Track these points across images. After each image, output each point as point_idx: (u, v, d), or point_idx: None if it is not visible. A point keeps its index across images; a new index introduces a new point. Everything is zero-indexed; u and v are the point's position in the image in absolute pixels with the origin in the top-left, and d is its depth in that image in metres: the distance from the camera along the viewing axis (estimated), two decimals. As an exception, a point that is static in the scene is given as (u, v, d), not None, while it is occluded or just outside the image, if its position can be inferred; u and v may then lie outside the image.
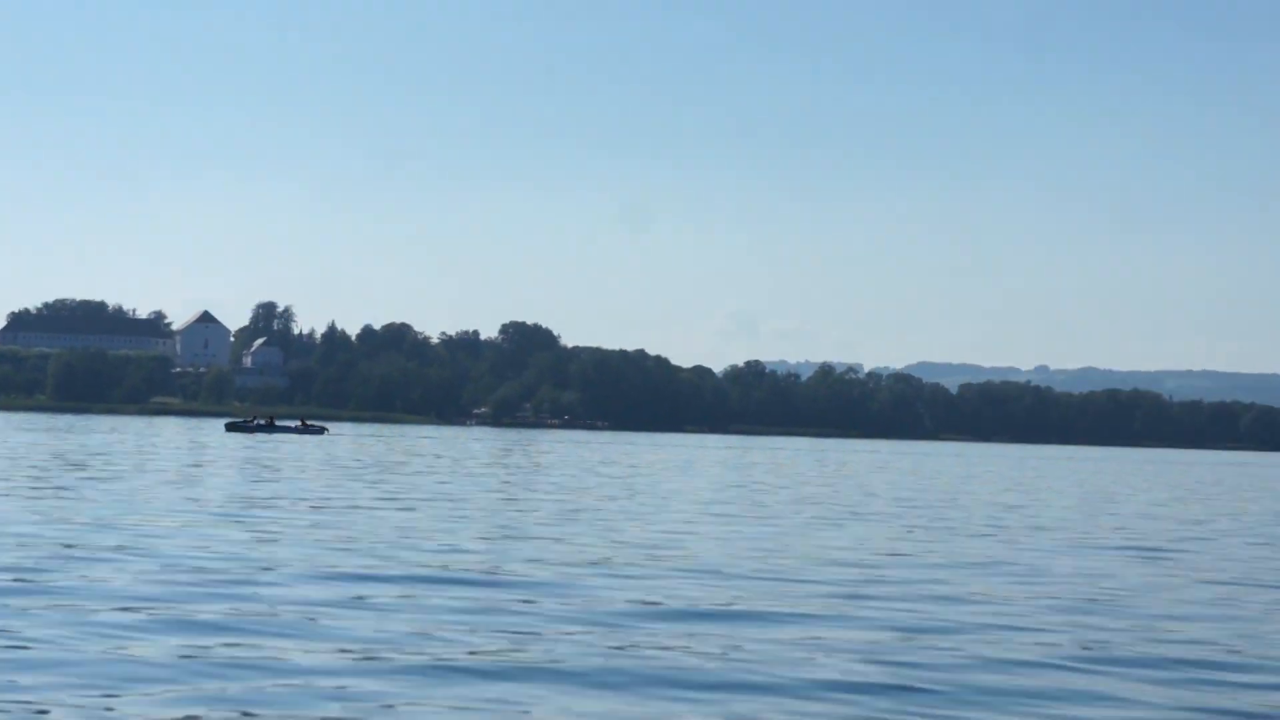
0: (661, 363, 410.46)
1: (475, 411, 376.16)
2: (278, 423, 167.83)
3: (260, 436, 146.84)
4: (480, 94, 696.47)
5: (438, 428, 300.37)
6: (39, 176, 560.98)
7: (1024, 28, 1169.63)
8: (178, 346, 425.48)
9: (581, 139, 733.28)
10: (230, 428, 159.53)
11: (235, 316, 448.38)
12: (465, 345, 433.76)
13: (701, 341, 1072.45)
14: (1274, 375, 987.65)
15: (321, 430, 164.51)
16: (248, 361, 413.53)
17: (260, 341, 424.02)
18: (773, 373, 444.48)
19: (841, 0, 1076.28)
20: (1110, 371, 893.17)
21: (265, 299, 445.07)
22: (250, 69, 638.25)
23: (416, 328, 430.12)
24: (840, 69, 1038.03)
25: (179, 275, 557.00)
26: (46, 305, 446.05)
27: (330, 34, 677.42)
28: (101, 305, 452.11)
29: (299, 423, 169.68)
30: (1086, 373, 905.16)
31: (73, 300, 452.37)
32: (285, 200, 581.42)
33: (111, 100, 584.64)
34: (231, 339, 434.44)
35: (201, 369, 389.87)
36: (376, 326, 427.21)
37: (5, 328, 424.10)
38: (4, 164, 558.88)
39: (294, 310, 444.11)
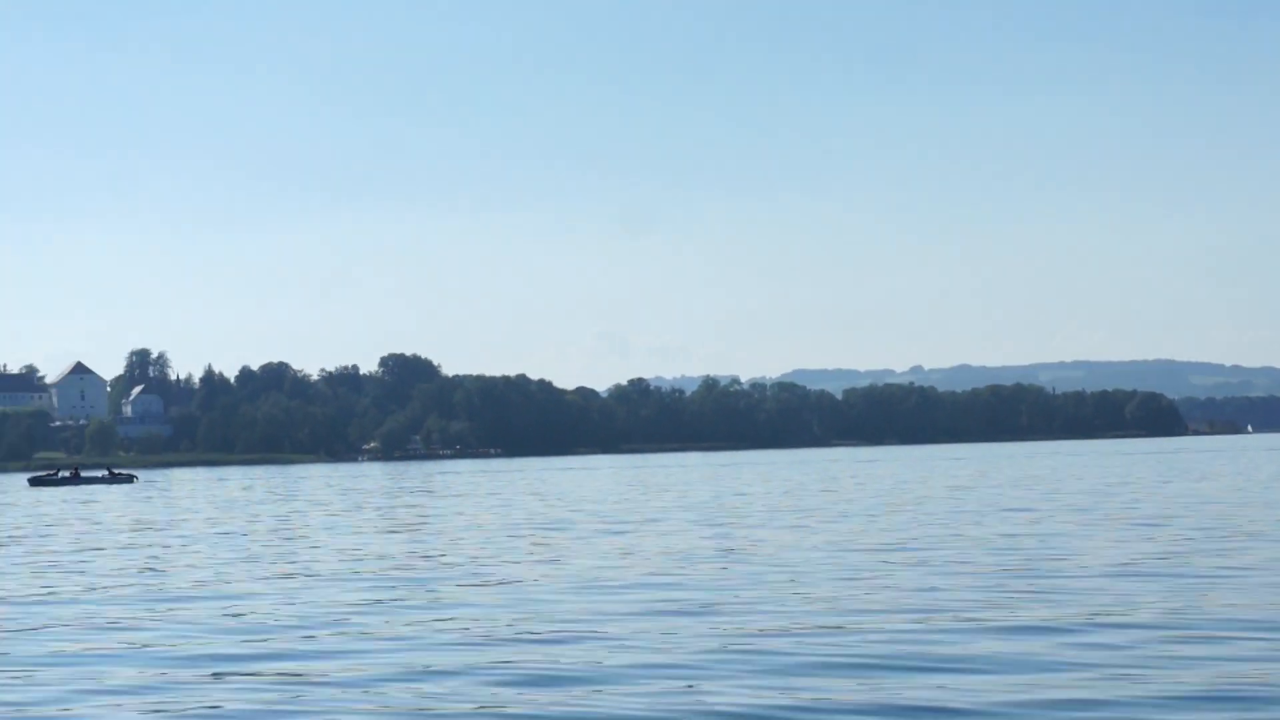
0: (545, 386, 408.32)
1: (365, 447, 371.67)
2: (83, 473, 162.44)
3: (65, 490, 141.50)
4: (332, 116, 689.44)
5: (329, 465, 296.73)
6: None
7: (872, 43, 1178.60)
8: (54, 400, 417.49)
9: (433, 161, 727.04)
10: (34, 482, 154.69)
11: (109, 366, 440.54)
12: (346, 381, 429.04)
13: (575, 362, 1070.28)
14: (1145, 361, 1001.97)
15: (130, 479, 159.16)
16: (127, 411, 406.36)
17: (138, 389, 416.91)
18: (657, 389, 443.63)
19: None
20: (984, 368, 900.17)
21: (138, 346, 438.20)
22: (106, 108, 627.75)
23: (295, 366, 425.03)
24: (657, 86, 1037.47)
25: (48, 327, 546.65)
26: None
27: (180, 72, 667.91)
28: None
29: (106, 472, 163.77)
30: (961, 370, 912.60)
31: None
32: (149, 243, 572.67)
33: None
34: (108, 389, 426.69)
35: (81, 421, 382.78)
36: (254, 367, 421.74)
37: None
38: None
39: (169, 356, 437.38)
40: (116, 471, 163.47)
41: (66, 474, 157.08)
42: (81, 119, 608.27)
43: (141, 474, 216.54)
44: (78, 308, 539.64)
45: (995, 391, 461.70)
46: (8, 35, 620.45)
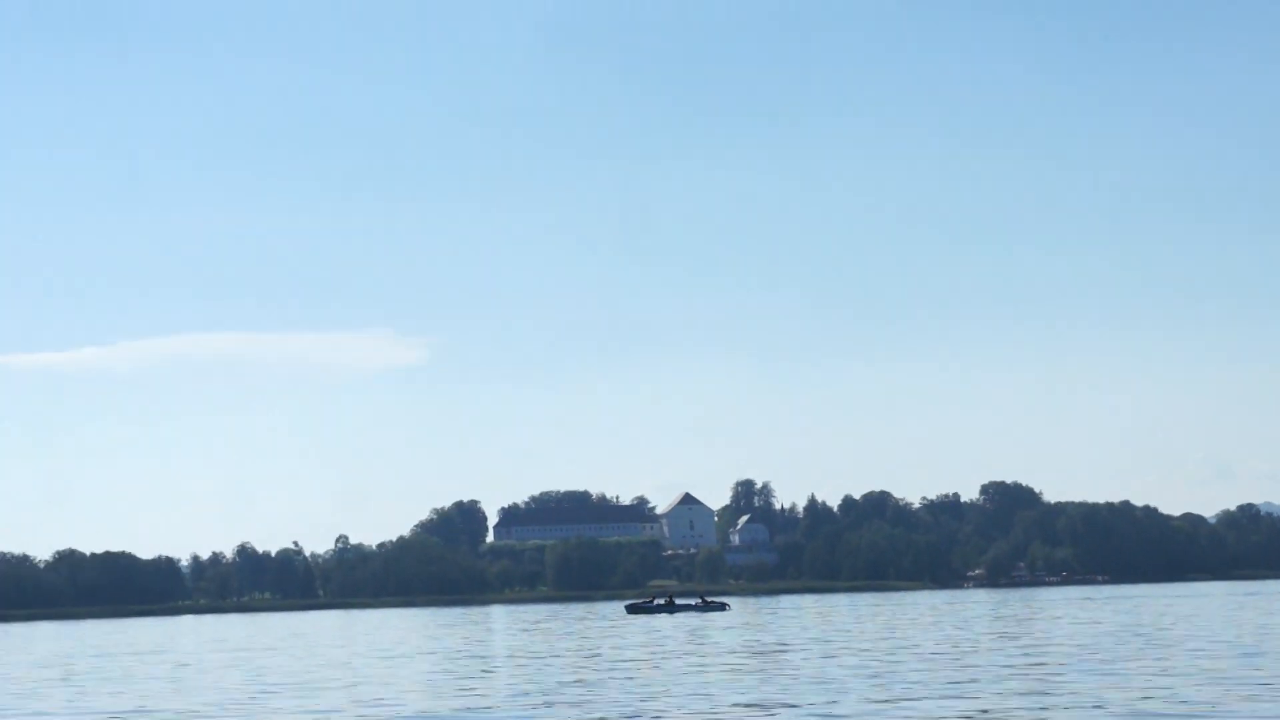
0: (1150, 512, 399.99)
1: (969, 574, 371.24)
2: (678, 601, 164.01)
3: (661, 618, 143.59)
4: (916, 238, 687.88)
5: (932, 593, 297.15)
6: (511, 373, 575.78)
7: None
8: (665, 529, 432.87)
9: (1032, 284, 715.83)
10: (631, 609, 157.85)
11: (716, 496, 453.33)
12: (948, 508, 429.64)
13: (1178, 488, 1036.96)
14: None
15: (723, 606, 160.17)
16: (734, 540, 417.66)
17: (745, 519, 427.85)
18: (1268, 515, 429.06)
19: None
20: None
21: (743, 477, 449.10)
22: (688, 249, 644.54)
23: (896, 494, 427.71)
24: None
25: (657, 460, 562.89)
26: (533, 498, 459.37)
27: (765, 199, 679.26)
28: (585, 495, 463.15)
29: (699, 600, 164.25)
30: None
31: (557, 492, 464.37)
32: (753, 375, 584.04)
33: (572, 294, 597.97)
34: (715, 519, 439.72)
35: (691, 550, 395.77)
36: (856, 496, 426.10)
37: (498, 523, 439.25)
38: (478, 363, 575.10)
39: (772, 486, 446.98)
40: (710, 599, 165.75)
41: (661, 602, 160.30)
42: (662, 256, 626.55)
43: (747, 602, 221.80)
44: (686, 440, 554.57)
45: None
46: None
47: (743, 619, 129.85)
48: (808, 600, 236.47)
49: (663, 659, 65.44)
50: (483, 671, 61.72)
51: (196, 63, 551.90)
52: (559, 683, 52.29)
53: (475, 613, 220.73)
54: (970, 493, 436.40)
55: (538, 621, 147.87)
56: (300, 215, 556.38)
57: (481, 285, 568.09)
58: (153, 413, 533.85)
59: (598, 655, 70.83)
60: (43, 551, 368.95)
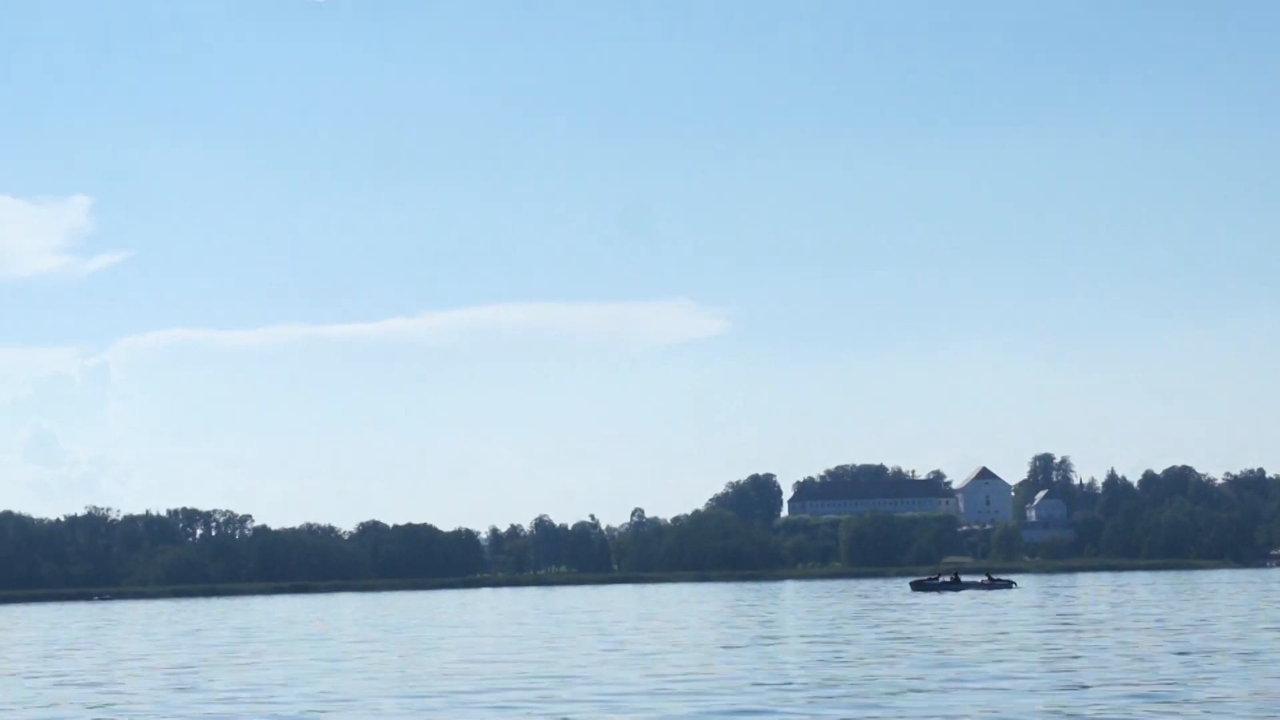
0: None
1: (1273, 552, 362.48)
2: (964, 578, 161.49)
3: (947, 595, 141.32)
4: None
5: (1233, 571, 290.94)
6: (808, 346, 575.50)
7: None
8: (960, 505, 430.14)
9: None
10: (915, 586, 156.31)
11: (1012, 471, 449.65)
12: (1252, 484, 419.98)
13: None
14: None
15: (1009, 585, 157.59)
16: (1031, 515, 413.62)
17: (1042, 494, 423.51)
18: None
19: None
20: None
21: (1041, 451, 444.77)
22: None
23: (1198, 469, 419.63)
24: None
25: (953, 435, 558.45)
26: (828, 473, 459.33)
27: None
28: (881, 469, 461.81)
29: (985, 578, 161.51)
30: None
31: (853, 466, 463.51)
32: (1050, 349, 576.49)
33: (870, 268, 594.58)
34: (1012, 494, 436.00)
35: (987, 526, 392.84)
36: (1157, 471, 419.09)
37: (793, 497, 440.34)
38: (776, 336, 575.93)
39: (1071, 460, 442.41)
40: (996, 578, 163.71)
41: (946, 579, 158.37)
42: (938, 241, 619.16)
43: (1039, 580, 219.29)
44: (982, 414, 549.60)
45: None
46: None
47: (1030, 598, 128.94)
48: (1104, 579, 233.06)
49: (921, 639, 65.77)
50: (760, 645, 62.79)
51: (500, 34, 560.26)
52: (816, 660, 53.08)
53: (768, 588, 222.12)
54: (1276, 467, 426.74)
55: (818, 598, 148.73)
56: (605, 185, 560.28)
57: (782, 259, 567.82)
58: (455, 383, 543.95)
59: (853, 636, 71.40)
60: (347, 523, 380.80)
